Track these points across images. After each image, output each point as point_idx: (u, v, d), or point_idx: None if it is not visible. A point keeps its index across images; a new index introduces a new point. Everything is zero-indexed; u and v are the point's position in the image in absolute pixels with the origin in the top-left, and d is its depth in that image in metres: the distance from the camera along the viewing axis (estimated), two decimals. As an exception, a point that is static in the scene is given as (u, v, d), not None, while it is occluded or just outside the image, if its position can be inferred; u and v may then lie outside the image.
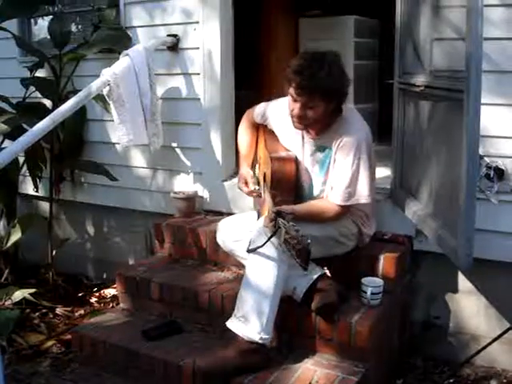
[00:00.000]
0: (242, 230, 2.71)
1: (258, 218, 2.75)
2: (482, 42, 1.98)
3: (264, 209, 2.70)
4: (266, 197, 2.65)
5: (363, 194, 2.54)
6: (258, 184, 2.83)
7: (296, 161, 2.67)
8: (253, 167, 2.95)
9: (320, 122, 2.55)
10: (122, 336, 2.79)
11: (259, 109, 2.88)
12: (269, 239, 2.34)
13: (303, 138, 2.68)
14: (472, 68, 1.97)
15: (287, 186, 2.65)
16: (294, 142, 2.71)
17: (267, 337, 2.42)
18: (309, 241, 2.14)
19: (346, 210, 2.59)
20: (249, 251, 2.45)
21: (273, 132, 2.82)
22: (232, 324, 2.46)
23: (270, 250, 2.41)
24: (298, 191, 2.71)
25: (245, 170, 2.89)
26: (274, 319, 2.44)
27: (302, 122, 2.53)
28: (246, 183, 2.83)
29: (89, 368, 2.81)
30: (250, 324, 2.41)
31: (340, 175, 2.55)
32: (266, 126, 2.86)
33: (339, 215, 2.59)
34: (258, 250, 2.42)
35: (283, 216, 2.31)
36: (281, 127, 2.75)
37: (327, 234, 2.57)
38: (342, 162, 2.54)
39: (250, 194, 2.84)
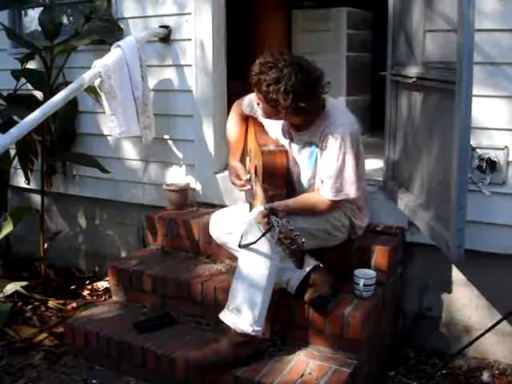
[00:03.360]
0: (235, 223, 2.71)
1: (251, 210, 2.75)
2: (473, 33, 1.98)
3: (256, 201, 2.69)
4: (258, 190, 2.65)
5: (351, 189, 2.53)
6: (249, 176, 2.82)
7: (286, 154, 2.67)
8: (243, 159, 2.94)
9: (274, 118, 2.58)
10: (114, 329, 2.79)
11: (248, 100, 2.85)
12: (261, 237, 2.34)
13: (290, 133, 2.68)
14: (464, 59, 1.96)
15: (278, 179, 2.64)
16: (282, 137, 2.71)
17: (259, 329, 2.42)
18: (303, 240, 2.14)
19: (336, 204, 2.59)
20: (241, 247, 2.44)
21: (262, 125, 2.81)
22: (224, 316, 2.46)
23: (262, 242, 2.40)
24: (289, 185, 2.71)
25: (235, 162, 2.88)
26: (266, 311, 2.44)
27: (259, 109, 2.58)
28: (238, 176, 2.82)
29: (81, 361, 2.82)
30: (242, 316, 2.41)
31: (327, 170, 2.54)
32: (255, 118, 2.85)
33: (330, 209, 2.59)
34: (251, 244, 2.41)
35: (276, 213, 2.30)
36: (268, 120, 2.74)
37: (319, 227, 2.58)
38: (327, 158, 2.53)
39: (242, 187, 2.83)
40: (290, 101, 2.38)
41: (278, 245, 2.23)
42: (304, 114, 2.48)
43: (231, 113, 2.98)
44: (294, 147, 2.67)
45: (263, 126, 2.80)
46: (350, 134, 2.50)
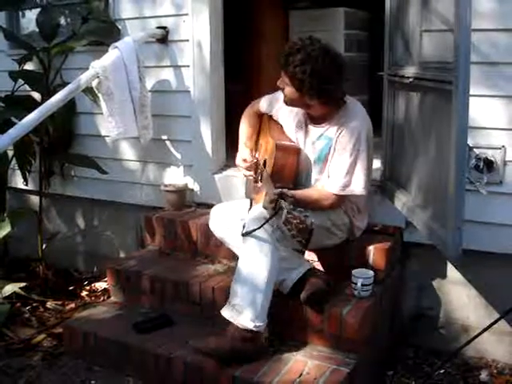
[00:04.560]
0: (235, 218, 2.72)
1: (251, 206, 2.75)
2: (470, 33, 1.98)
3: (259, 197, 2.70)
4: (265, 183, 2.65)
5: (359, 186, 2.56)
6: (256, 168, 2.82)
7: (299, 151, 2.69)
8: (252, 154, 2.95)
9: (295, 104, 2.63)
10: (112, 329, 2.79)
11: (265, 98, 2.91)
12: (268, 220, 2.34)
13: (307, 125, 2.70)
14: (461, 59, 1.97)
15: (288, 174, 2.67)
16: (298, 130, 2.73)
17: (261, 324, 2.42)
18: (312, 220, 2.15)
19: (341, 200, 2.61)
20: (244, 234, 2.45)
21: (277, 122, 2.83)
22: (226, 312, 2.47)
23: (264, 236, 2.42)
24: (297, 180, 2.72)
25: (242, 149, 2.89)
26: (268, 306, 2.45)
27: (283, 95, 2.63)
28: (245, 160, 2.83)
29: (80, 361, 2.82)
30: (244, 311, 2.41)
31: (338, 165, 2.57)
32: (270, 116, 2.87)
33: (334, 204, 2.61)
34: (253, 236, 2.43)
35: (284, 198, 2.32)
36: (286, 115, 2.78)
37: (320, 224, 2.56)
38: (340, 152, 2.56)
39: (248, 168, 2.83)
40: (316, 82, 2.46)
41: (284, 224, 2.23)
42: (327, 98, 2.55)
43: (246, 110, 3.01)
44: (308, 141, 2.70)
45: (278, 125, 2.82)
46: (366, 133, 2.56)
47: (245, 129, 2.98)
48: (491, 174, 2.68)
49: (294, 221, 2.16)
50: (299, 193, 2.56)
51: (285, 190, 2.43)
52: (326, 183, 2.63)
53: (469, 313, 2.93)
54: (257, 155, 2.93)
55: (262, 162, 2.80)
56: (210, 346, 2.45)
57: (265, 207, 2.37)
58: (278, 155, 2.64)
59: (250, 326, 2.40)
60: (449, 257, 2.22)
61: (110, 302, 3.16)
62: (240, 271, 2.48)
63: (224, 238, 2.80)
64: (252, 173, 2.84)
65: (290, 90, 2.55)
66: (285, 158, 2.65)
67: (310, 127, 2.70)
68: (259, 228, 2.39)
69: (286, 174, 2.66)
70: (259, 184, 2.76)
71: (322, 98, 2.54)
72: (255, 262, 2.44)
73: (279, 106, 2.78)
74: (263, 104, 2.90)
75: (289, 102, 2.63)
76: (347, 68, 2.57)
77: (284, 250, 2.53)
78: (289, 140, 2.75)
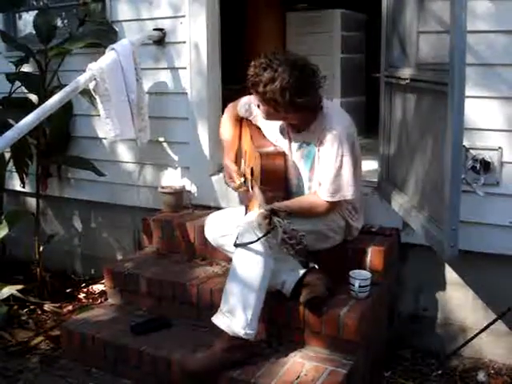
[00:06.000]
0: (230, 225, 2.71)
1: (246, 212, 2.75)
2: (465, 34, 1.99)
3: (252, 204, 2.69)
4: (256, 192, 2.64)
5: (349, 190, 2.54)
6: (245, 178, 2.82)
7: (284, 155, 2.67)
8: (237, 161, 2.94)
9: (274, 119, 2.61)
10: (110, 331, 2.78)
11: (244, 102, 2.86)
12: (262, 237, 2.34)
13: (289, 133, 2.68)
14: (456, 60, 1.98)
15: (277, 181, 2.64)
16: (281, 138, 2.71)
17: (252, 332, 2.41)
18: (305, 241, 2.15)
19: (333, 206, 2.59)
20: (236, 245, 2.44)
21: (257, 127, 2.81)
22: (217, 319, 2.46)
23: (256, 244, 2.40)
24: (287, 186, 2.71)
25: (228, 163, 2.88)
26: (259, 314, 2.44)
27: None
28: (232, 178, 2.82)
29: (77, 364, 2.81)
30: (235, 319, 2.41)
31: (324, 171, 2.55)
32: (250, 120, 2.86)
33: (328, 211, 2.59)
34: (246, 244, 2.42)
35: (278, 214, 2.30)
36: (267, 122, 2.75)
37: (315, 228, 2.57)
38: (325, 159, 2.54)
39: (237, 189, 2.84)
40: (288, 97, 2.41)
41: (281, 244, 2.22)
42: (303, 110, 2.50)
43: (224, 115, 2.99)
44: (293, 148, 2.68)
45: (259, 129, 2.80)
46: (347, 136, 2.51)
47: (226, 136, 2.96)
48: (488, 175, 2.69)
49: (291, 241, 2.16)
50: (293, 203, 2.56)
51: (276, 205, 2.42)
52: (317, 190, 2.61)
53: (466, 314, 2.94)
54: (243, 165, 2.92)
55: (249, 171, 2.78)
56: (203, 358, 2.43)
57: (259, 224, 2.36)
58: (264, 163, 2.61)
59: (241, 333, 2.40)
60: (445, 258, 2.23)
61: (107, 304, 3.15)
62: (232, 279, 2.47)
63: (222, 246, 2.79)
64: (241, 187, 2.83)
65: (264, 108, 2.52)
66: (270, 164, 2.62)
67: (292, 135, 2.68)
68: (252, 243, 2.38)
69: (275, 182, 2.64)
70: (251, 191, 2.75)
71: (298, 111, 2.50)
72: (248, 270, 2.43)
73: (258, 112, 2.73)
74: (241, 109, 2.87)
75: (267, 118, 2.61)
76: (320, 73, 2.50)
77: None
78: (270, 144, 2.72)
